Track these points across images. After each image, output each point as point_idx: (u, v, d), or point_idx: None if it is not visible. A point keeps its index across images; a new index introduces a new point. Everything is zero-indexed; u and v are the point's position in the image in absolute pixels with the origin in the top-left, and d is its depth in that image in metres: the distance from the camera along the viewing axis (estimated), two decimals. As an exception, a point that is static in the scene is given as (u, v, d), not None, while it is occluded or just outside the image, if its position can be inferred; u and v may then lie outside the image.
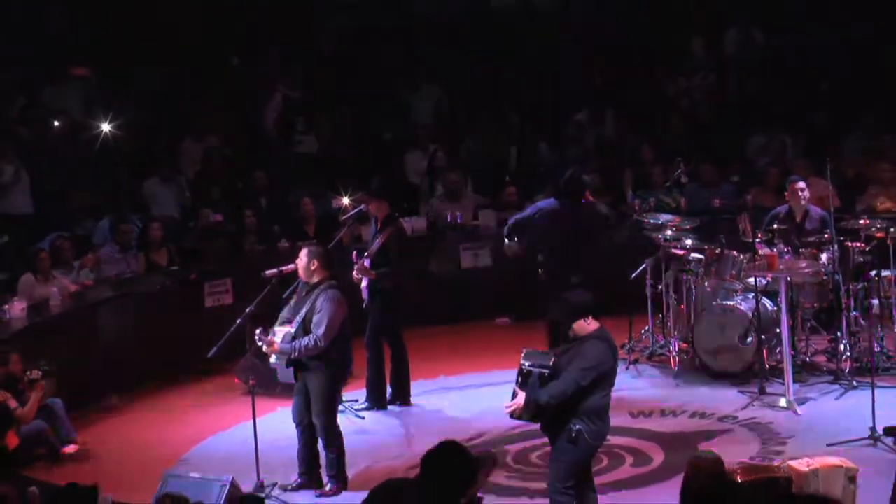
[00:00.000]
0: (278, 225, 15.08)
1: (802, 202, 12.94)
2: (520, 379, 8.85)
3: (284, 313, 10.51)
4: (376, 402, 12.37)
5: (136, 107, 16.44)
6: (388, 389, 12.49)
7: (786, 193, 13.23)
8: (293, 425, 10.97)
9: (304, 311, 10.24)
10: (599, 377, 8.64)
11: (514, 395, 8.84)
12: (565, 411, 8.63)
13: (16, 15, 16.76)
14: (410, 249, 12.96)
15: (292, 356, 10.20)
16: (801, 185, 13.02)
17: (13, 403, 11.28)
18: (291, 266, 10.68)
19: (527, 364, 8.84)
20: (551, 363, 8.76)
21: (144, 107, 16.55)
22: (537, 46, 17.82)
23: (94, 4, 17.22)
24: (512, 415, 8.90)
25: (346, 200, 13.23)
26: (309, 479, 10.51)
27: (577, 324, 8.81)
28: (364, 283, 12.14)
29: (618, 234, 14.13)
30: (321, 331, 10.08)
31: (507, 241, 12.90)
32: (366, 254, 12.20)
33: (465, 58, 17.69)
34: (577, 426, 8.61)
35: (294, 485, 10.49)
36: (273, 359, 10.42)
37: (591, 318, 8.82)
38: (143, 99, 16.64)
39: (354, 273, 12.09)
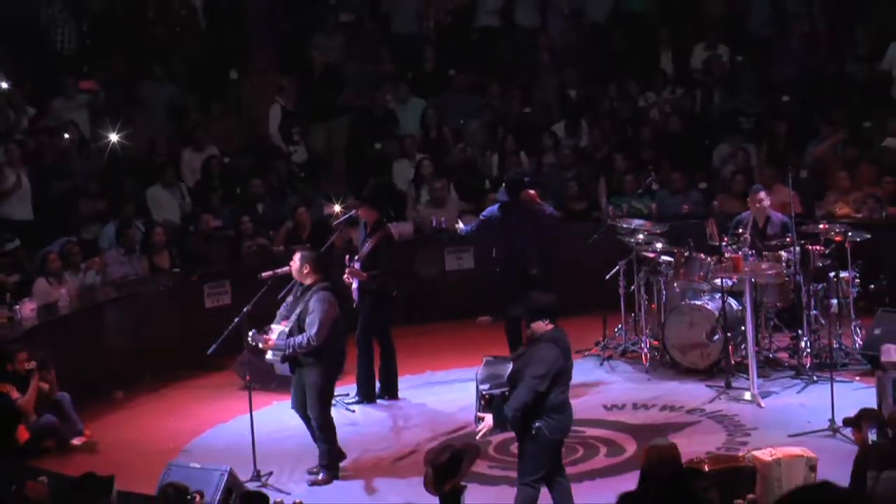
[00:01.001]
0: (273, 230, 15.06)
1: (765, 212, 12.96)
2: (482, 403, 8.80)
3: (282, 310, 10.57)
4: (366, 396, 12.35)
5: (140, 119, 16.41)
6: (377, 384, 12.48)
7: (748, 201, 13.27)
8: (288, 418, 10.98)
9: (298, 310, 10.28)
10: (554, 378, 8.66)
11: (479, 419, 8.79)
12: (527, 413, 8.65)
13: (27, 32, 16.73)
14: (397, 253, 12.97)
15: (286, 353, 10.23)
16: (762, 195, 13.02)
17: (15, 394, 11.25)
18: (286, 268, 10.70)
19: (486, 388, 8.79)
20: (507, 374, 8.73)
21: (148, 119, 16.50)
22: (517, 62, 17.82)
23: (100, 23, 17.16)
24: (484, 437, 8.90)
25: (337, 208, 13.24)
26: None
27: (536, 324, 8.82)
28: (355, 285, 12.14)
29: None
30: (314, 330, 10.12)
31: (459, 225, 13.23)
32: (356, 257, 12.20)
33: (450, 73, 17.68)
34: (537, 424, 8.65)
35: (317, 468, 10.50)
36: (269, 355, 10.45)
37: (548, 320, 8.82)
38: (147, 111, 16.60)
39: (346, 275, 12.09)
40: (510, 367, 8.81)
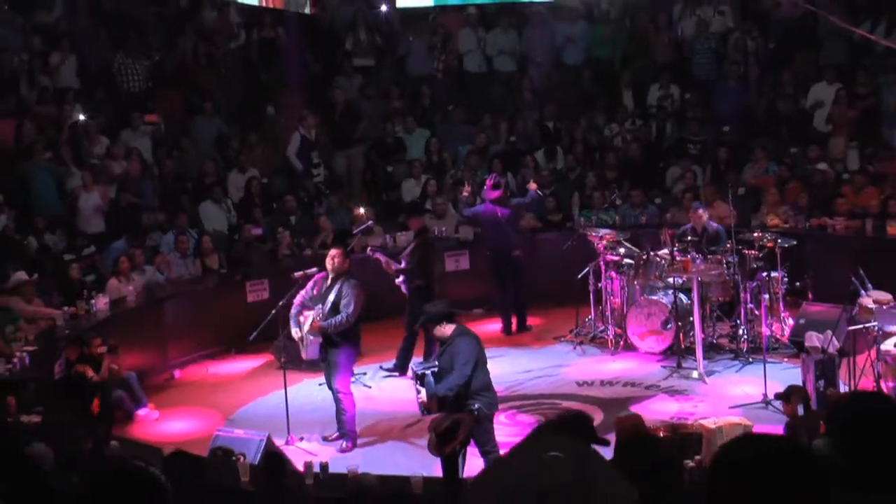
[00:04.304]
0: (304, 237, 15.05)
1: (703, 223, 12.96)
2: (417, 382, 8.68)
3: (306, 303, 10.47)
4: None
5: (192, 146, 16.37)
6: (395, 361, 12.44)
7: (689, 215, 13.30)
8: (315, 393, 10.94)
9: (332, 297, 10.23)
10: (476, 363, 8.50)
11: (423, 393, 8.62)
12: (461, 396, 8.49)
13: (101, 75, 16.75)
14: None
15: (328, 331, 10.19)
16: (700, 211, 13.05)
17: (90, 373, 11.25)
18: (314, 269, 10.69)
19: (419, 369, 8.68)
20: (435, 364, 8.62)
21: (199, 146, 16.49)
22: (503, 100, 17.83)
23: (161, 68, 17.17)
24: (426, 410, 8.69)
25: (362, 210, 13.34)
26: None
27: (438, 329, 8.65)
28: (400, 279, 12.27)
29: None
30: (350, 309, 10.13)
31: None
32: (401, 255, 12.41)
33: (448, 108, 17.70)
34: (476, 405, 8.49)
35: (334, 436, 10.46)
36: (311, 336, 10.36)
37: (446, 322, 8.62)
38: (198, 140, 16.59)
39: (387, 264, 12.33)
40: (437, 362, 8.67)
